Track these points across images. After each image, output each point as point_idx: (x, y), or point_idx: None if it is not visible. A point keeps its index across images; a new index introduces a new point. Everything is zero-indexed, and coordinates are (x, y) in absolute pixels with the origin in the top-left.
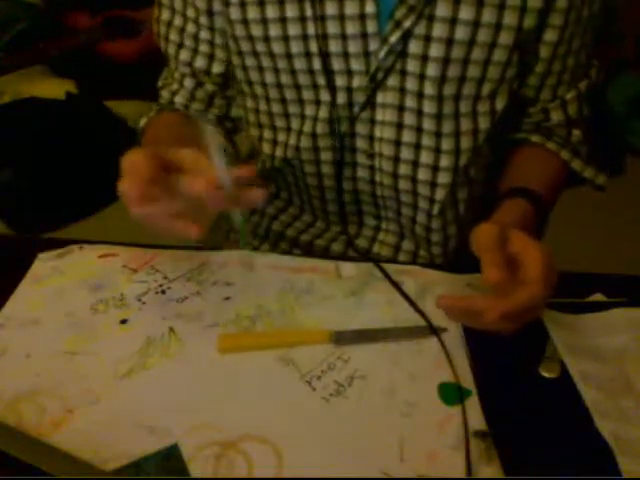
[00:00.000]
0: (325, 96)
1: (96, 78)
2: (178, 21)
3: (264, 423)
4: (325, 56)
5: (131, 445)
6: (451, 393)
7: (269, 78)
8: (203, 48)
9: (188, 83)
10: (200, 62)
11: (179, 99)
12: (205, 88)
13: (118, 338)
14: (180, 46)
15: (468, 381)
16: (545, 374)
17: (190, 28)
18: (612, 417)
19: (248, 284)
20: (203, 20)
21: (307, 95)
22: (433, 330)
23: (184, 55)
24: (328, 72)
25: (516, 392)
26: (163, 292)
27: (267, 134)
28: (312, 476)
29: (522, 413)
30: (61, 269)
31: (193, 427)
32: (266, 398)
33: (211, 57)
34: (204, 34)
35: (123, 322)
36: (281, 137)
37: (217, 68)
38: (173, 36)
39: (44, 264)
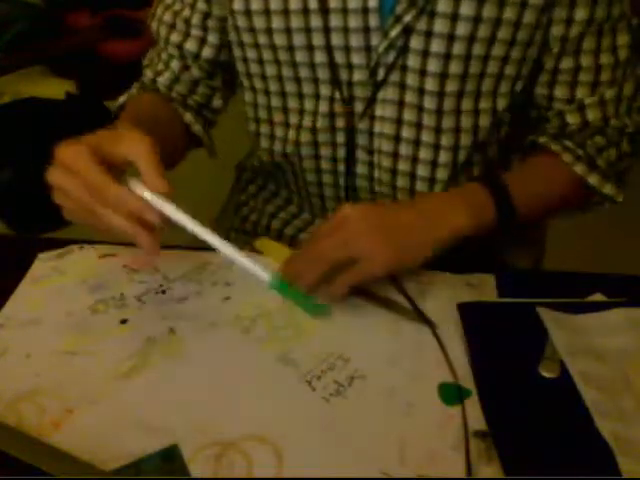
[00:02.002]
0: (325, 90)
1: (96, 78)
2: (177, 5)
3: (264, 423)
4: (328, 49)
5: (131, 445)
6: (451, 393)
7: (269, 71)
8: (195, 32)
9: (174, 65)
10: (190, 45)
11: (162, 80)
12: (191, 72)
13: (118, 338)
14: (172, 27)
15: (468, 381)
16: (545, 374)
17: (185, 12)
18: (612, 417)
19: (248, 284)
20: (200, 5)
21: (307, 89)
22: (429, 324)
23: (175, 37)
24: (330, 65)
25: (516, 392)
26: (163, 292)
27: (264, 129)
28: (312, 476)
29: (522, 413)
30: (61, 269)
31: (193, 427)
32: (266, 398)
33: (202, 41)
34: (196, 19)
35: (123, 322)
36: (279, 132)
37: (207, 52)
38: (167, 17)
39: (44, 264)
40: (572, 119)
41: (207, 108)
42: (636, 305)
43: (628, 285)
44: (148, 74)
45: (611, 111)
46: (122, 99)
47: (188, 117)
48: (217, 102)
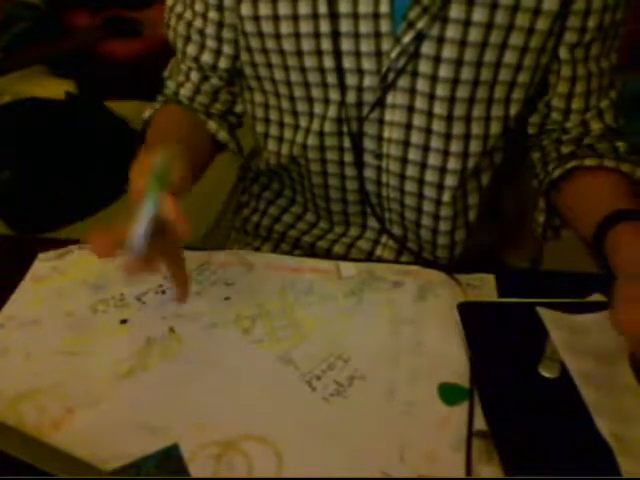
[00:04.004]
0: (334, 95)
1: (96, 78)
2: (188, 14)
3: (264, 423)
4: (337, 54)
5: (131, 445)
6: (451, 393)
7: (278, 75)
8: (210, 43)
9: (194, 76)
10: (207, 57)
11: (184, 92)
12: (211, 82)
13: (118, 338)
14: (188, 39)
15: (468, 381)
16: (545, 374)
17: (197, 23)
18: (612, 417)
19: (248, 284)
20: (212, 15)
21: (316, 93)
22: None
23: (191, 49)
24: (339, 70)
25: (516, 392)
26: (163, 292)
27: (274, 131)
28: (312, 476)
29: (522, 413)
30: (61, 269)
31: (193, 427)
32: (266, 398)
33: (218, 52)
34: (210, 29)
35: (123, 322)
36: (288, 134)
37: (224, 63)
38: (181, 28)
39: (44, 264)
40: (595, 125)
41: (231, 113)
42: None
43: None
44: (170, 86)
45: (618, 111)
46: (147, 114)
47: (212, 125)
48: (239, 107)
